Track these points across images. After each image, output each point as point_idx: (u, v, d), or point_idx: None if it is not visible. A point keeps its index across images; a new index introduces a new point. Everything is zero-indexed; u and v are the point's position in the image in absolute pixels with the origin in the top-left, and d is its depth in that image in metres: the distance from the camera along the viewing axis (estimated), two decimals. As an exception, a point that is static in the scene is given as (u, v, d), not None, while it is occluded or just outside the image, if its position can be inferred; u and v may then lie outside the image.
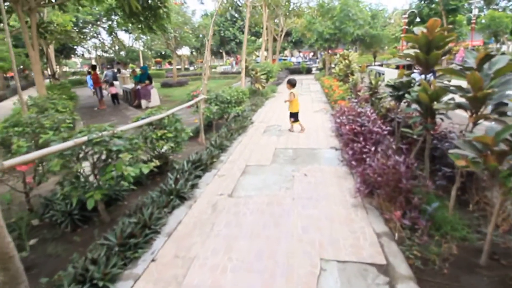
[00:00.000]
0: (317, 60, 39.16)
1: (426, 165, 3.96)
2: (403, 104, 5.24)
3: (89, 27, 30.64)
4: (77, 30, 28.45)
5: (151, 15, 13.37)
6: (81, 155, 3.32)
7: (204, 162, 5.03)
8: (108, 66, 38.68)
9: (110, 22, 22.43)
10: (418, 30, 3.84)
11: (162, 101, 13.89)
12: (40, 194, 4.18)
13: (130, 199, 4.30)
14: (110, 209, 4.03)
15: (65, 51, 30.58)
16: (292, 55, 51.65)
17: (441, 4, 15.12)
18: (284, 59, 36.48)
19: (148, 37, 32.70)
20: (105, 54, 43.36)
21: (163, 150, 4.79)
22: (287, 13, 19.51)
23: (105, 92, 13.77)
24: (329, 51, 19.95)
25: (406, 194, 3.48)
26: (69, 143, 3.05)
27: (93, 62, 47.29)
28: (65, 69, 48.73)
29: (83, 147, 3.23)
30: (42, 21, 13.84)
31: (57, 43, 28.48)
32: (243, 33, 41.02)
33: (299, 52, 51.06)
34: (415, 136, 4.24)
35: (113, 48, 41.88)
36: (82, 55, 46.97)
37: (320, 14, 18.06)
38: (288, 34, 31.65)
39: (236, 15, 35.50)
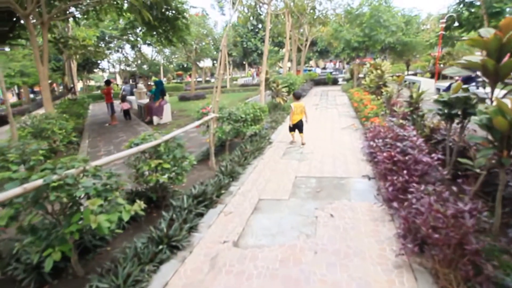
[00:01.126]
0: (344, 70, 37.95)
1: (497, 212, 2.93)
2: (455, 125, 4.21)
3: (114, 41, 31.19)
4: (102, 45, 29.04)
5: (170, 27, 13.00)
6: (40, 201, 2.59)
7: (209, 196, 4.19)
8: (126, 81, 39.37)
9: (132, 36, 22.49)
10: (486, 32, 2.85)
11: (175, 117, 13.42)
12: (11, 237, 3.49)
13: (116, 243, 3.54)
14: (88, 257, 3.28)
15: (88, 65, 31.22)
16: (317, 66, 50.65)
17: (483, 8, 13.74)
18: (309, 70, 35.55)
19: (169, 50, 33.07)
20: (128, 68, 44.22)
21: (161, 181, 4.00)
22: (312, 21, 18.66)
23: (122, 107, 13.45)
24: (358, 61, 18.83)
25: (473, 256, 2.48)
26: (17, 190, 2.32)
27: (117, 76, 48.51)
28: (91, 83, 50.25)
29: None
30: (61, 36, 13.82)
31: (81, 58, 29.15)
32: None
33: (327, 62, 49.97)
34: (477, 170, 3.23)
35: (136, 62, 42.71)
36: (106, 69, 48.49)
37: (347, 21, 17.09)
38: (313, 43, 30.77)
39: (259, 25, 35.07)
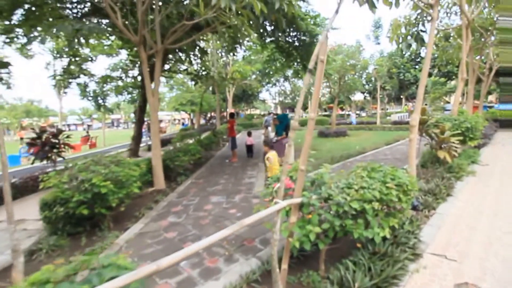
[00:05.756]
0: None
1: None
2: None
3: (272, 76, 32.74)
4: (253, 77, 30.48)
5: (305, 53, 11.06)
6: None
7: None
8: (269, 112, 40.36)
9: (272, 70, 22.37)
10: None
11: (297, 159, 10.82)
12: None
13: None
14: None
15: (245, 97, 33.44)
16: (500, 102, 39.36)
17: None
18: (490, 107, 27.13)
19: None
20: (286, 100, 46.30)
21: None
22: (504, 41, 12.98)
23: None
24: None
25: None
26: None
27: (278, 107, 51.34)
28: (257, 111, 55.33)
29: None
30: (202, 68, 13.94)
31: (237, 90, 31.71)
32: (429, 75, 34.09)
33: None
34: None
35: (292, 94, 44.00)
36: (267, 100, 52.74)
37: None
38: (498, 73, 23.14)
39: (421, 52, 29.48)
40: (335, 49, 18.73)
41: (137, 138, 11.93)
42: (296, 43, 10.51)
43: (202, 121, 37.64)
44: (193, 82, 15.81)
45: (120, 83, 14.41)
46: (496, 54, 15.50)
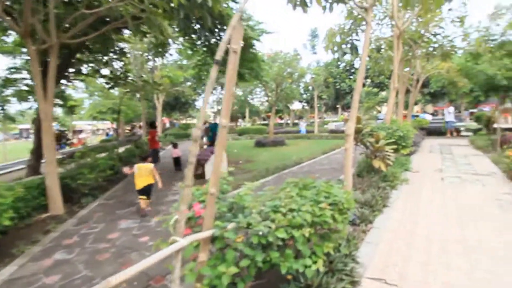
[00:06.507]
0: (465, 118, 30.42)
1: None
2: None
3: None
4: (194, 86, 28.71)
5: (239, 58, 10.43)
6: None
7: None
8: (205, 121, 38.87)
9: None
10: None
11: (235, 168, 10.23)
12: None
13: None
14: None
15: (178, 104, 31.35)
16: (424, 111, 43.23)
17: None
18: (416, 116, 29.36)
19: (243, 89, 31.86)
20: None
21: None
22: (429, 53, 13.84)
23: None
24: (509, 104, 13.02)
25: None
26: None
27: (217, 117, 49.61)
28: (194, 121, 52.22)
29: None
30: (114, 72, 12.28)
31: (168, 96, 29.23)
32: (363, 85, 36.02)
33: (443, 107, 42.15)
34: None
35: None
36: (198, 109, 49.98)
37: (490, 50, 11.83)
38: (423, 84, 25.12)
39: (355, 64, 31.06)
40: (272, 56, 18.55)
41: (36, 152, 9.74)
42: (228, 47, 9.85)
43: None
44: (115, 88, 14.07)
45: (25, 87, 11.98)
46: (422, 67, 16.55)
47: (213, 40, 9.24)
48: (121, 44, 11.75)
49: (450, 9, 13.05)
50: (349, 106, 36.26)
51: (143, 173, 6.24)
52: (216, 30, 8.82)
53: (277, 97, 19.37)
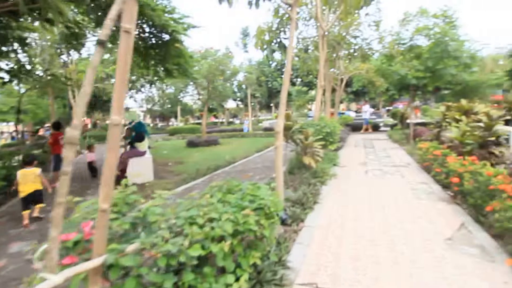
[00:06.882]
0: (383, 114, 33.23)
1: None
2: None
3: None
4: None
5: (165, 52, 9.69)
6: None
7: None
8: (130, 121, 36.85)
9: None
10: None
11: (163, 173, 9.68)
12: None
13: None
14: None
15: (98, 103, 28.43)
16: (348, 109, 46.44)
17: None
18: (342, 113, 31.25)
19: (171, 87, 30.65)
20: (155, 107, 42.32)
21: None
22: (351, 55, 14.69)
23: None
24: (418, 102, 14.30)
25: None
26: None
27: (147, 116, 46.69)
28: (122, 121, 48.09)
29: None
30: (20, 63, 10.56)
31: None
32: (293, 84, 37.29)
33: (363, 105, 45.63)
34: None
35: (160, 101, 40.75)
36: (130, 108, 46.78)
37: (401, 52, 12.87)
38: (346, 84, 26.81)
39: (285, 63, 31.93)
40: (202, 53, 18.00)
41: None
42: (153, 41, 9.09)
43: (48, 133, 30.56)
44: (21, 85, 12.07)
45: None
46: (345, 67, 17.49)
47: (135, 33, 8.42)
48: (26, 34, 10.18)
49: (367, 14, 14.01)
50: (280, 105, 37.29)
51: (29, 179, 5.57)
52: (138, 22, 8.09)
53: (209, 95, 18.82)
